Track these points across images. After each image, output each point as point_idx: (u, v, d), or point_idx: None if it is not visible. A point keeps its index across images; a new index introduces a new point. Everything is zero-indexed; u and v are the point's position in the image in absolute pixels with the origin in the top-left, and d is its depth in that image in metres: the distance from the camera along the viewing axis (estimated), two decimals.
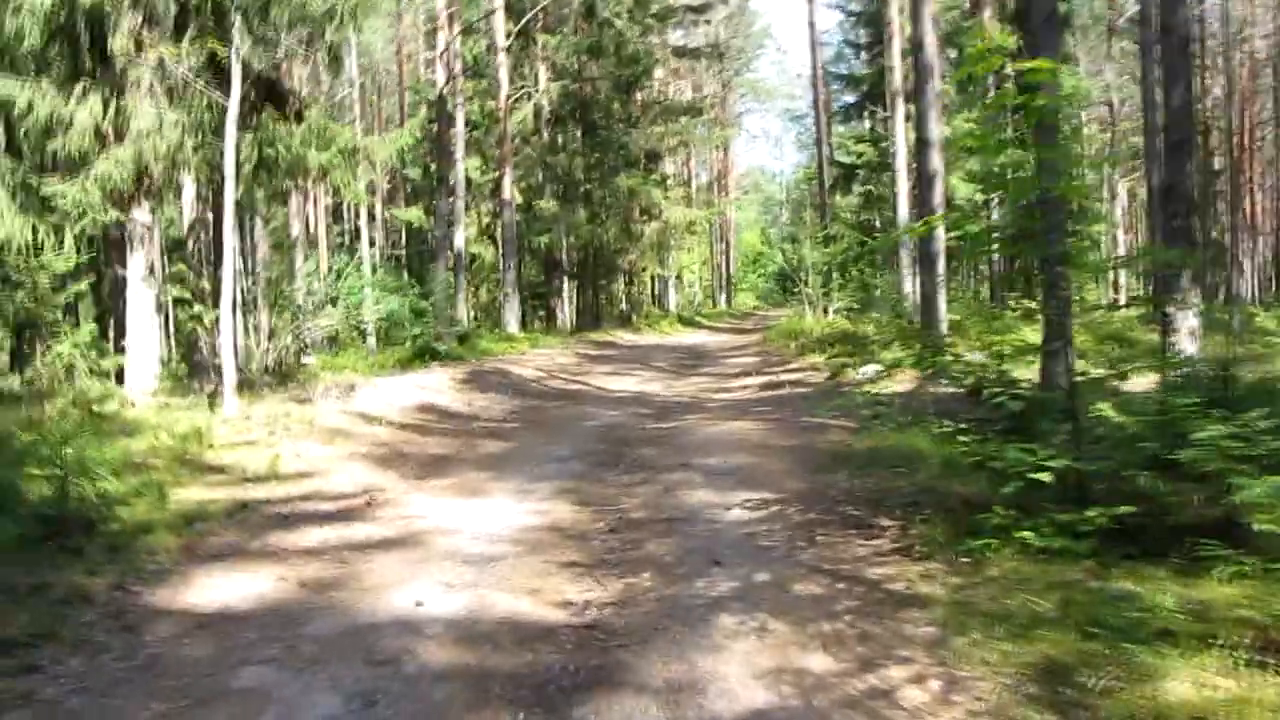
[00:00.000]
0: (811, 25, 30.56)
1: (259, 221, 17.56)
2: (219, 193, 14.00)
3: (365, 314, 17.20)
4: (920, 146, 13.66)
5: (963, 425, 6.29)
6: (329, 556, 5.60)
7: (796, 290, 24.84)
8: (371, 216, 45.22)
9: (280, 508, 6.59)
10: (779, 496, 6.50)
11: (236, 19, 10.40)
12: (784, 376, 14.98)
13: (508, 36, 26.76)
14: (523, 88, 30.23)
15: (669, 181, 35.56)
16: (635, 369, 19.15)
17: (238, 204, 13.86)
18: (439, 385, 14.72)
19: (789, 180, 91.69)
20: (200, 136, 11.74)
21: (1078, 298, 23.20)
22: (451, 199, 22.94)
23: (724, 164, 56.35)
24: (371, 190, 44.88)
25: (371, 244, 45.68)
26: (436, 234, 20.27)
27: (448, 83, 19.93)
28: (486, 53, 29.55)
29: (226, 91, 12.68)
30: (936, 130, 13.58)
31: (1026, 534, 4.82)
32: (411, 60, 36.48)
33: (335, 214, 34.38)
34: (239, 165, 11.72)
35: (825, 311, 23.49)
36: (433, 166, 24.83)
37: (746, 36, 58.05)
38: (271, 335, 17.20)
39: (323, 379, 15.55)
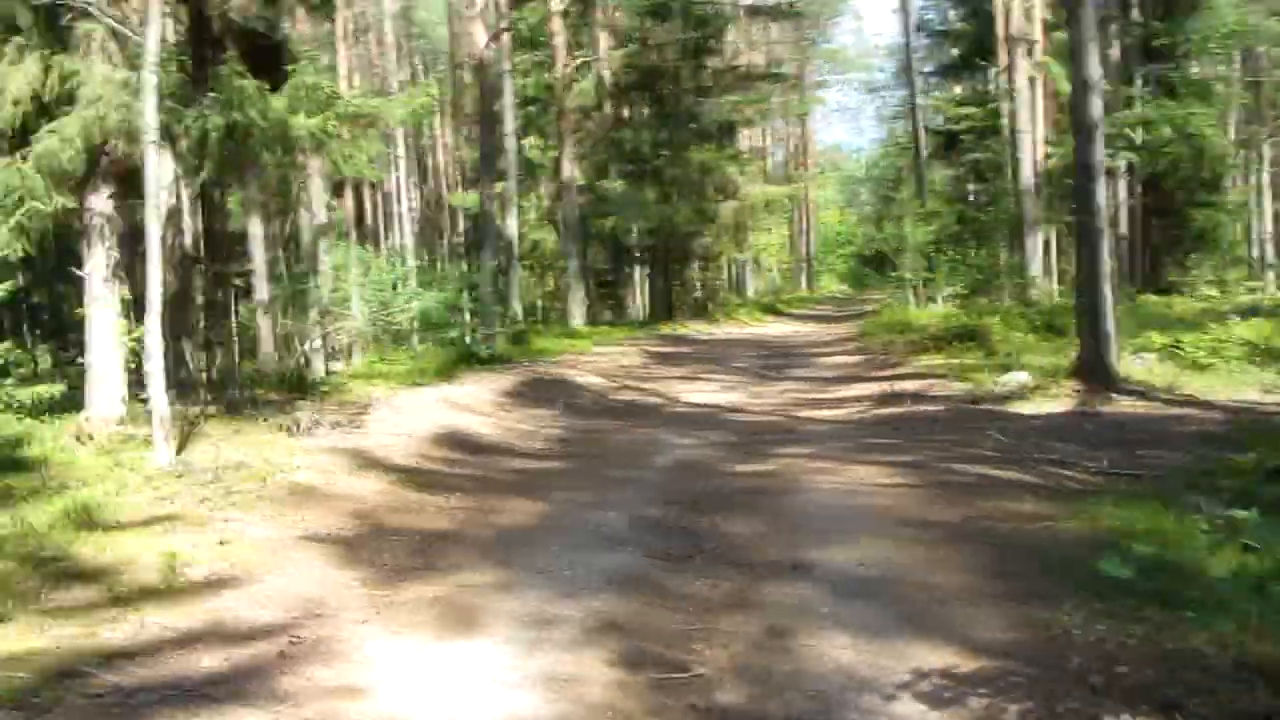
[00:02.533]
0: None
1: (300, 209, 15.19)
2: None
3: (396, 314, 14.66)
4: (1078, 91, 10.57)
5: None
6: None
7: (893, 274, 21.72)
8: (434, 202, 43.06)
9: (134, 669, 3.97)
10: (979, 667, 3.66)
11: None
12: (899, 386, 12.04)
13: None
14: (582, 58, 27.52)
15: (744, 157, 32.56)
16: (713, 371, 16.36)
17: (215, 185, 11.44)
18: (476, 400, 12.14)
19: (869, 156, 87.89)
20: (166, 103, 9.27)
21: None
22: (499, 179, 20.38)
23: (802, 138, 53.02)
24: (423, 170, 42.75)
25: (440, 234, 43.58)
26: (482, 219, 17.67)
27: (490, 42, 17.30)
28: (542, 23, 26.93)
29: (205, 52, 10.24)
30: (1096, 69, 10.48)
31: None
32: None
33: (384, 200, 32.06)
34: (202, 134, 9.19)
35: (931, 299, 20.36)
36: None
37: (823, 3, 54.51)
38: (287, 342, 14.91)
39: (343, 394, 13.17)
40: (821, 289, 60.44)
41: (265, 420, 10.08)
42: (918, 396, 11.23)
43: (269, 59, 10.53)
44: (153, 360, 7.21)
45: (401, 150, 26.00)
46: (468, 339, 15.75)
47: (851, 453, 8.21)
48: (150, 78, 7.29)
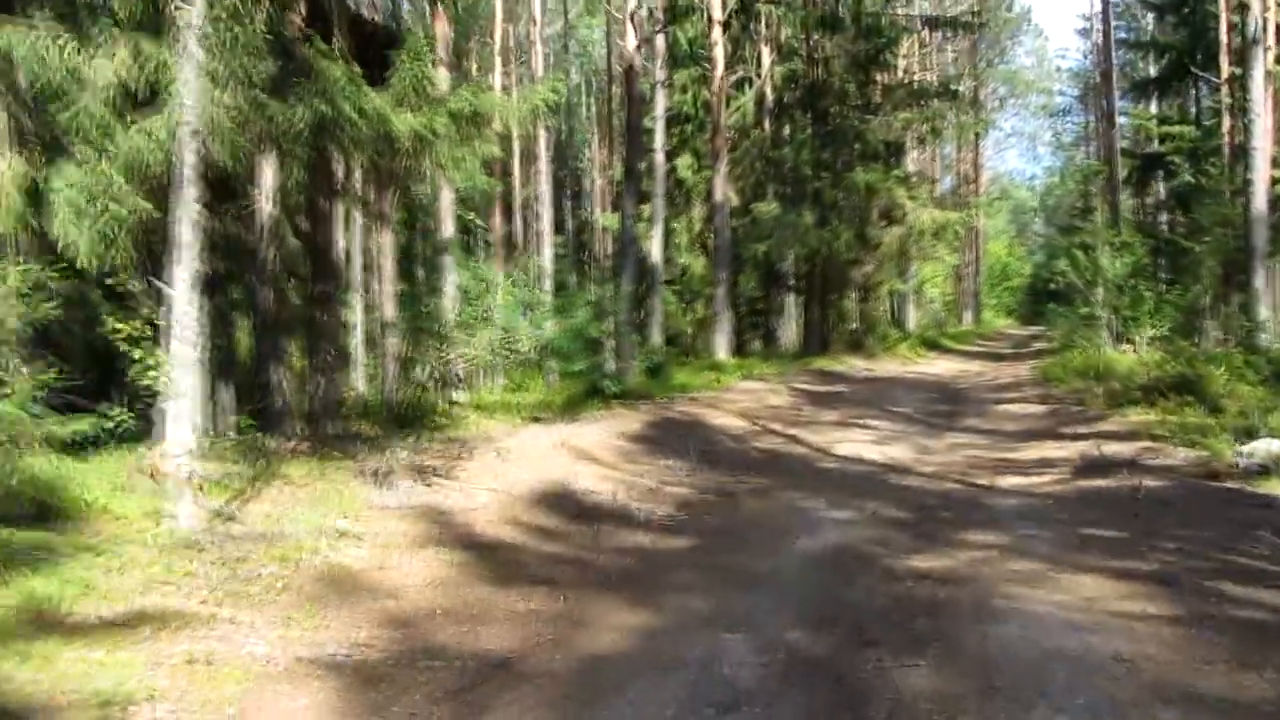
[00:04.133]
0: None
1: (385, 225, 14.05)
2: (321, 178, 10.49)
3: (521, 341, 13.29)
4: None
5: None
6: None
7: (1080, 310, 19.12)
8: (588, 225, 42.19)
9: None
10: None
11: None
12: (1107, 450, 9.84)
13: (724, 9, 22.50)
14: (740, 73, 25.94)
15: (913, 180, 30.25)
16: (871, 416, 14.36)
17: (320, 192, 10.29)
18: (597, 444, 10.63)
19: (1043, 184, 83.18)
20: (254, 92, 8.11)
21: None
22: (643, 195, 18.94)
23: (974, 164, 49.89)
24: (567, 183, 41.84)
25: (586, 255, 42.65)
26: (624, 240, 16.23)
27: (640, 45, 15.89)
28: (701, 36, 25.50)
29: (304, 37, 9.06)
30: None
31: None
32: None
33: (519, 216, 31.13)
34: (288, 131, 7.97)
35: (1128, 341, 17.74)
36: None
37: (1003, 21, 51.35)
38: (405, 367, 13.78)
39: (457, 428, 11.90)
40: (988, 323, 56.81)
41: (355, 460, 8.82)
42: (1133, 465, 9.03)
43: (379, 49, 9.33)
44: (180, 396, 5.92)
45: (544, 166, 24.85)
46: (602, 370, 14.26)
47: (1062, 549, 6.21)
48: (194, 51, 6.05)
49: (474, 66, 32.30)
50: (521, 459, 9.22)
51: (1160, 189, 26.41)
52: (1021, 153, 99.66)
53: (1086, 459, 9.64)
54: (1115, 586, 5.28)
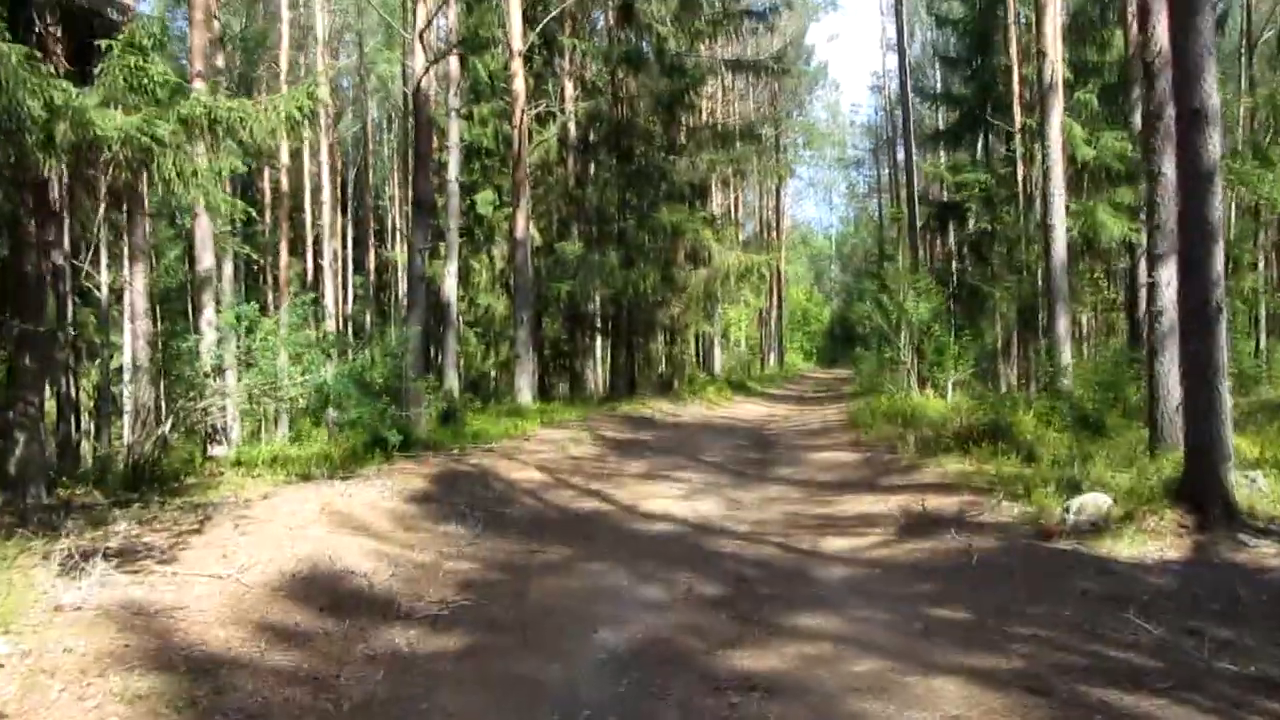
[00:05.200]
0: (901, 34, 24.89)
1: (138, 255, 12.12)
2: (27, 194, 8.60)
3: (287, 387, 11.58)
4: (1187, 123, 7.87)
5: None
6: None
7: (889, 355, 18.96)
8: (385, 262, 40.11)
9: None
10: None
11: None
12: (929, 504, 9.15)
13: (524, 40, 21.46)
14: (544, 107, 24.97)
15: (719, 222, 30.03)
16: (679, 466, 13.40)
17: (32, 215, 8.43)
18: (370, 509, 9.13)
19: (839, 233, 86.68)
20: None
21: None
22: (433, 228, 17.54)
23: (776, 210, 50.86)
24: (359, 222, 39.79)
25: (387, 296, 40.47)
26: (411, 275, 14.75)
27: (429, 68, 14.54)
28: (502, 68, 24.41)
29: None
30: (1213, 92, 7.81)
31: None
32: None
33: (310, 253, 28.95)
34: None
35: (932, 386, 17.59)
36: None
37: (800, 75, 52.94)
38: (147, 420, 11.86)
39: (207, 490, 10.12)
40: (790, 366, 57.91)
41: (60, 538, 7.04)
42: (960, 523, 8.32)
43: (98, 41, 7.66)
44: None
45: (326, 195, 23.01)
46: (384, 420, 12.67)
47: (907, 639, 5.25)
48: None
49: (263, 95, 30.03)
50: (268, 531, 7.63)
51: (952, 237, 27.07)
52: (818, 202, 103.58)
53: (910, 516, 8.89)
54: (979, 697, 4.32)
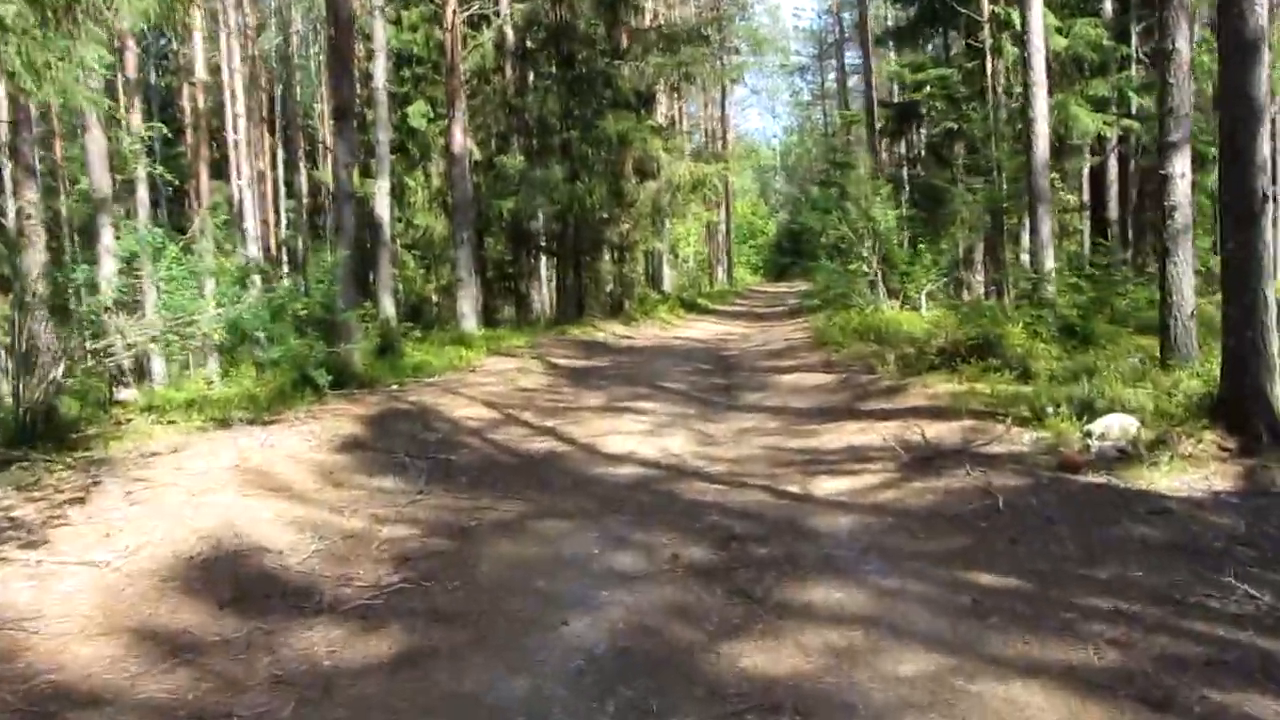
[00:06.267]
0: None
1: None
2: None
3: (199, 321, 10.20)
4: None
5: None
6: None
7: (855, 266, 17.87)
8: (318, 185, 37.98)
9: None
10: None
11: None
12: (928, 433, 8.16)
13: None
14: (477, 7, 23.14)
15: (668, 131, 28.54)
16: (640, 396, 12.31)
17: None
18: (291, 460, 7.94)
19: (783, 143, 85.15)
20: None
21: None
22: (363, 144, 15.99)
23: (722, 120, 49.25)
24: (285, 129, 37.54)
25: (323, 220, 38.42)
26: (338, 193, 13.30)
27: None
28: None
29: None
30: None
31: None
32: None
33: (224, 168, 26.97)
34: None
35: (903, 298, 16.61)
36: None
37: None
38: (37, 363, 10.42)
39: (108, 443, 8.86)
40: (739, 281, 56.90)
41: None
42: (969, 455, 7.34)
43: None
44: None
45: (240, 108, 21.17)
46: (311, 356, 11.37)
47: (954, 618, 4.24)
48: None
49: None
50: (166, 498, 6.41)
51: (917, 138, 25.91)
52: (761, 111, 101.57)
53: (908, 448, 7.89)
54: (1080, 713, 3.29)
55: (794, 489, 7.09)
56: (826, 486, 7.09)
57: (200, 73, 25.89)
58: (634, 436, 9.60)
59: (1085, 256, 22.29)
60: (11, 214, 13.22)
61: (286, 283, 11.35)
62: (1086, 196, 25.68)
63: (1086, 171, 25.11)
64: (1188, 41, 8.67)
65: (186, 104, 28.83)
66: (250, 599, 4.93)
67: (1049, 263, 13.14)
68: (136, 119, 20.32)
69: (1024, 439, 7.59)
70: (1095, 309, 12.77)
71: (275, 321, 10.56)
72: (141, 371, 16.72)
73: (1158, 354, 9.46)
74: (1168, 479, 6.27)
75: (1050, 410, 8.06)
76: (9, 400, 11.08)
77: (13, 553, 5.28)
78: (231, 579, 5.17)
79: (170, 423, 10.03)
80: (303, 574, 5.36)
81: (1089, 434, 7.27)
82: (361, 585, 5.21)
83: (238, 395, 11.73)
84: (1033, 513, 5.77)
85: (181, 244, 10.82)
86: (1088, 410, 7.85)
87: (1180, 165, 8.87)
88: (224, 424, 9.85)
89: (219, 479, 7.09)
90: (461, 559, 5.67)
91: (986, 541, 5.34)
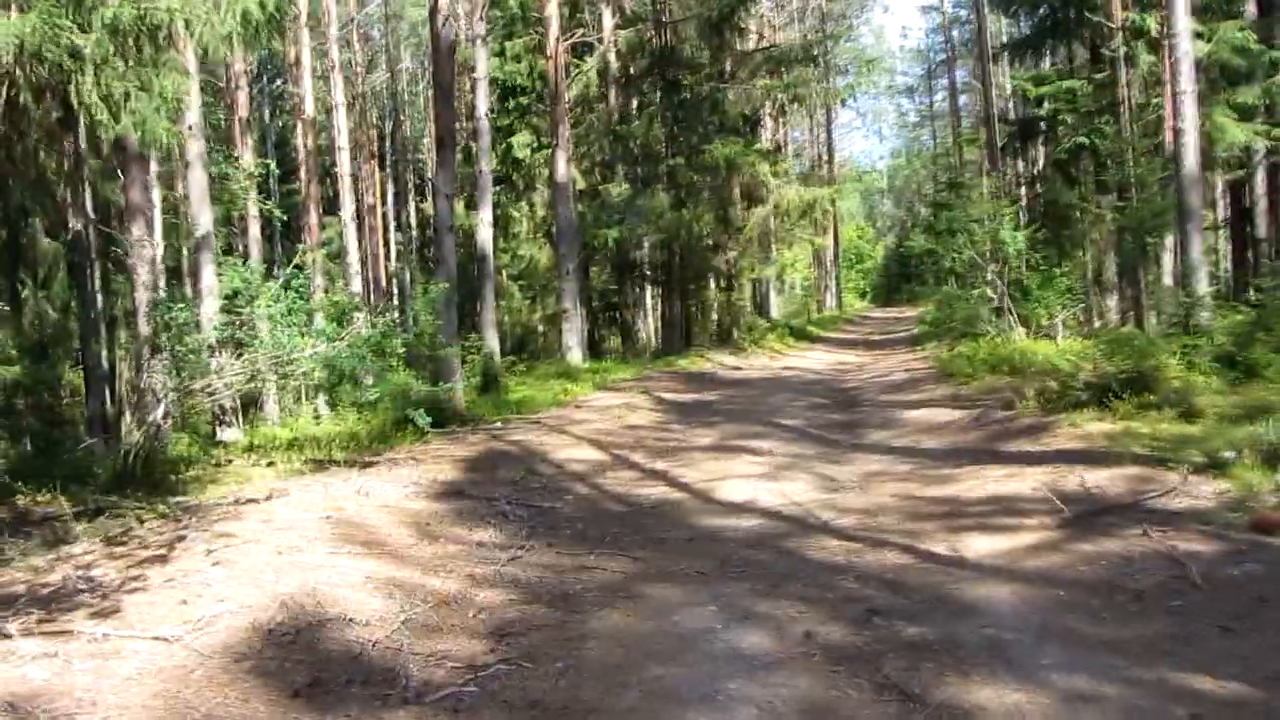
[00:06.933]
0: None
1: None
2: None
3: (299, 361, 9.86)
4: None
5: None
6: None
7: (980, 292, 16.79)
8: (427, 220, 38.34)
9: None
10: None
11: None
12: (1087, 482, 7.21)
13: None
14: (581, 36, 22.87)
15: (776, 155, 27.80)
16: (755, 435, 11.55)
17: None
18: (385, 511, 7.46)
19: (890, 166, 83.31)
20: None
21: None
22: (463, 173, 15.68)
23: (827, 143, 48.24)
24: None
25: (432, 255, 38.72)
26: (438, 225, 12.96)
27: None
28: None
29: None
30: None
31: None
32: None
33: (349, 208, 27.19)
34: None
35: (1028, 325, 15.49)
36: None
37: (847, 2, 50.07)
38: (141, 403, 10.31)
39: (207, 487, 8.57)
40: (847, 307, 55.58)
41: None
42: (1140, 510, 6.39)
43: None
44: None
45: (343, 140, 21.23)
46: (407, 396, 10.95)
47: None
48: None
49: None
50: (251, 556, 5.93)
51: (1036, 156, 24.60)
52: (866, 134, 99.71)
53: (1066, 499, 6.95)
54: None
55: (938, 549, 6.25)
56: (976, 546, 6.22)
57: (309, 110, 26.28)
58: (750, 480, 8.87)
59: (1226, 277, 20.73)
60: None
61: (388, 318, 10.91)
62: (1223, 214, 24.01)
63: (1220, 186, 23.48)
64: None
65: (299, 142, 29.37)
66: (327, 685, 4.35)
67: (1202, 286, 11.93)
68: (249, 157, 20.54)
69: (1204, 490, 6.60)
70: (1255, 337, 11.54)
71: (373, 359, 10.17)
72: (252, 405, 16.67)
73: None
74: None
75: (1230, 456, 7.05)
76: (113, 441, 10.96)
77: (81, 623, 4.83)
78: (308, 658, 4.60)
79: (269, 464, 9.75)
80: (389, 650, 4.77)
81: None
82: (454, 666, 4.59)
83: (340, 434, 11.43)
84: (1238, 589, 4.84)
85: (281, 281, 10.55)
86: (1278, 458, 6.82)
87: None
88: (321, 466, 9.52)
89: (308, 533, 6.61)
90: (565, 634, 5.01)
91: (1190, 628, 4.44)
